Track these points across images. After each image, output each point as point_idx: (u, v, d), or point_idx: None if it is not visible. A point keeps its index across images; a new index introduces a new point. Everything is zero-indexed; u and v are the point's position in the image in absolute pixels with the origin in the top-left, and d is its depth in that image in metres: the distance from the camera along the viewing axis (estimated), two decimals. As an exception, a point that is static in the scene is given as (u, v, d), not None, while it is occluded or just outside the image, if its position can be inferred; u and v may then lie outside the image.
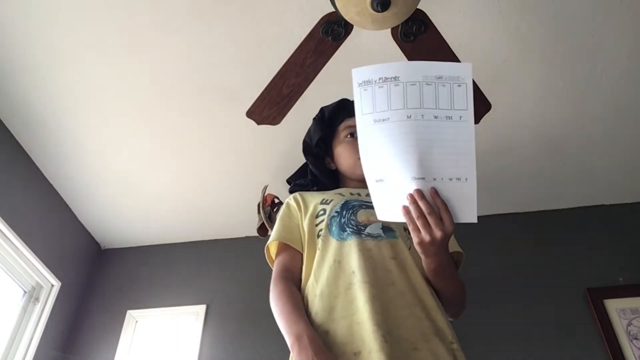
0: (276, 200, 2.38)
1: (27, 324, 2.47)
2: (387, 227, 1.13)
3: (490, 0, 1.94)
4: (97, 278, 2.93)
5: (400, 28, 1.59)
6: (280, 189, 2.32)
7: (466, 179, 0.93)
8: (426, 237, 0.93)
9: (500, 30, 2.04)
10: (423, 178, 0.93)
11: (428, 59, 1.67)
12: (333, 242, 1.11)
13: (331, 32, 1.61)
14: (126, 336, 2.66)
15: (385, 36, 1.64)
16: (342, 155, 1.36)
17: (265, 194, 2.40)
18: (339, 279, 1.03)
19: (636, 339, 2.28)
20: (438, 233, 0.92)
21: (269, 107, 1.78)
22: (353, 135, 1.35)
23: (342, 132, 1.38)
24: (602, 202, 2.77)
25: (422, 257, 1.00)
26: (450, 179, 0.93)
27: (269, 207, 2.35)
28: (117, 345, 2.62)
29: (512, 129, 2.40)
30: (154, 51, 2.10)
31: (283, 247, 1.21)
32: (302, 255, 1.17)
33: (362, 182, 1.33)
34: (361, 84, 0.96)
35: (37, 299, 2.55)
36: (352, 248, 1.07)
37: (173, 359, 2.55)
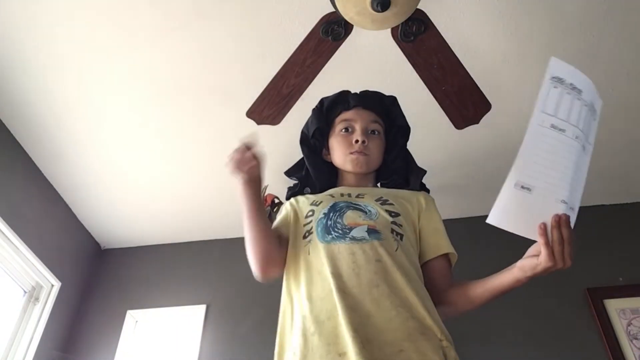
0: (276, 200, 2.38)
1: (27, 324, 2.47)
2: (373, 229, 1.11)
3: (490, 0, 1.94)
4: (97, 278, 2.93)
5: (400, 28, 1.59)
6: (280, 189, 2.32)
7: (574, 210, 0.92)
8: (559, 264, 0.91)
9: (500, 30, 2.04)
10: (567, 203, 0.89)
11: (428, 59, 1.67)
12: (319, 245, 1.11)
13: (331, 32, 1.61)
14: (126, 336, 2.66)
15: (385, 36, 1.64)
16: (335, 148, 1.35)
17: (265, 194, 2.40)
18: (324, 282, 1.04)
19: (636, 339, 2.27)
20: (568, 264, 0.91)
21: (269, 107, 1.78)
22: (347, 129, 1.34)
23: (338, 126, 1.36)
24: (602, 202, 2.77)
25: (527, 272, 0.97)
26: (572, 208, 0.91)
27: (269, 207, 2.35)
28: (117, 345, 2.62)
29: (511, 128, 2.40)
30: (154, 51, 2.10)
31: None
32: (287, 239, 1.21)
33: (357, 175, 1.33)
34: (555, 78, 0.91)
35: (37, 299, 2.55)
36: (335, 251, 1.07)
37: (173, 359, 2.55)
